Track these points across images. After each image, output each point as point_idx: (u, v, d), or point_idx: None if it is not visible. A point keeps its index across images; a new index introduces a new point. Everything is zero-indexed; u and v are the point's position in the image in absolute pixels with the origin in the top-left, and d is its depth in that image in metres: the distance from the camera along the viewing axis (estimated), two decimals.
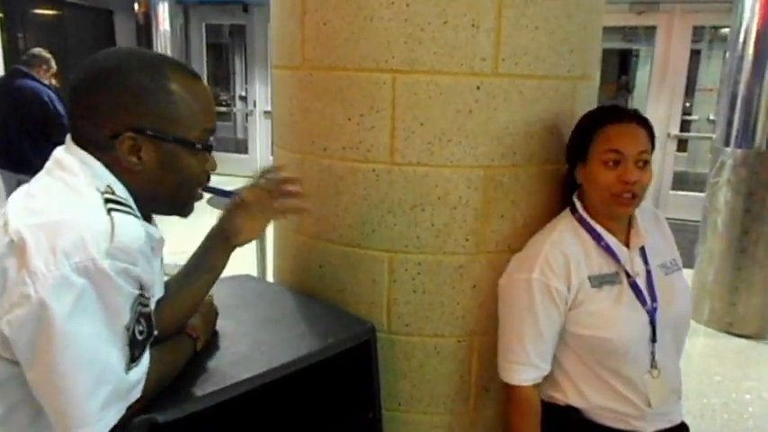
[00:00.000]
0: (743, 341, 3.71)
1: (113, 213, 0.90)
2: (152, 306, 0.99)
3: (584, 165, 1.43)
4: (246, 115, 9.31)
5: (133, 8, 7.89)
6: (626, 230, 1.46)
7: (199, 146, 1.03)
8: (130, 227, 0.91)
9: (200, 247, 1.25)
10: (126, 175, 0.99)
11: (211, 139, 1.09)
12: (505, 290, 1.48)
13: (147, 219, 1.05)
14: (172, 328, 1.18)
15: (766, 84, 3.56)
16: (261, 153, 8.88)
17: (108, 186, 0.95)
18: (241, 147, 9.51)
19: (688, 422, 1.54)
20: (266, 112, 8.79)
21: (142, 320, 0.93)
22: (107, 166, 0.97)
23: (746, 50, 3.63)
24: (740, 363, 3.48)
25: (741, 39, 3.66)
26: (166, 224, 1.15)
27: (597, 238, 1.43)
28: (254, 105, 8.95)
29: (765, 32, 3.54)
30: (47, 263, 0.82)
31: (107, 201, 0.92)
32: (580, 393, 1.45)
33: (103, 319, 0.86)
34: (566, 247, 1.42)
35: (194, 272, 1.22)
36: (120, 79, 0.96)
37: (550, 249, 1.42)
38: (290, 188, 1.27)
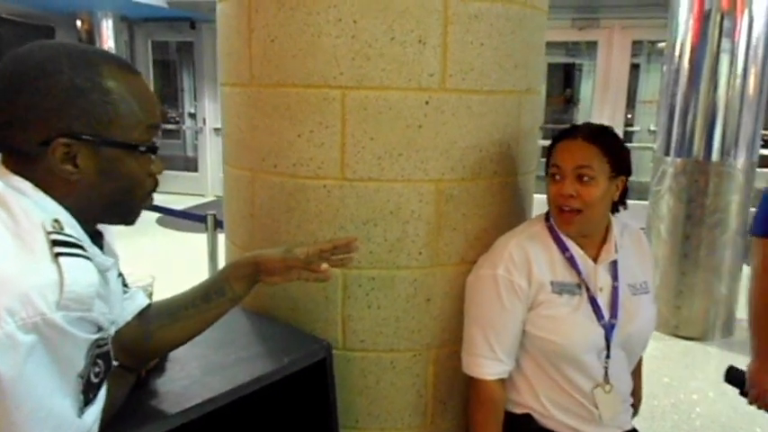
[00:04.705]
0: (689, 343, 3.84)
1: (61, 259, 0.81)
2: (110, 339, 0.94)
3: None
4: (196, 133, 9.18)
5: (75, 25, 7.70)
6: (598, 245, 1.49)
7: (142, 148, 0.94)
8: (81, 273, 0.83)
9: (223, 274, 1.21)
10: (62, 188, 0.90)
11: (157, 139, 0.99)
12: (472, 285, 1.50)
13: (95, 235, 0.97)
14: (173, 347, 1.22)
15: (702, 95, 3.72)
16: (211, 171, 8.76)
17: (55, 222, 0.86)
18: (191, 165, 9.36)
19: (638, 424, 1.59)
20: (216, 130, 8.68)
21: (99, 362, 0.88)
22: (41, 182, 0.89)
23: (682, 64, 3.79)
24: (687, 364, 3.59)
25: (677, 53, 3.82)
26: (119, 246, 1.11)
27: (563, 248, 1.46)
28: (204, 123, 8.83)
29: (699, 47, 3.71)
30: None
31: (54, 243, 0.83)
32: (534, 393, 1.48)
33: (56, 372, 0.80)
34: (530, 249, 1.45)
35: (216, 297, 1.18)
36: (47, 79, 0.86)
37: (515, 247, 1.45)
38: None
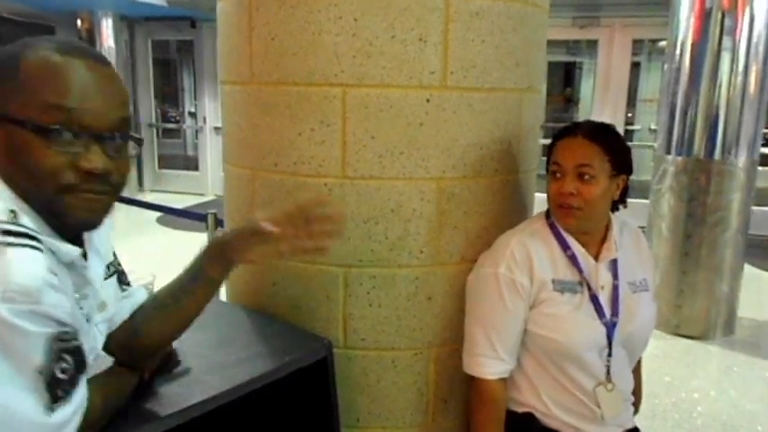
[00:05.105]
0: (690, 342, 3.83)
1: (8, 250, 0.79)
2: (97, 333, 0.92)
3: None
4: (196, 132, 9.17)
5: (75, 24, 7.69)
6: (599, 243, 1.49)
7: (30, 126, 0.85)
8: (26, 264, 0.80)
9: (196, 260, 1.13)
10: None
11: (122, 129, 0.92)
12: (473, 284, 1.50)
13: (72, 228, 0.93)
14: (162, 341, 1.18)
15: (703, 94, 3.71)
16: (212, 170, 8.75)
17: (11, 213, 0.84)
18: (191, 164, 9.36)
19: (640, 423, 1.58)
20: (216, 129, 8.66)
21: (66, 357, 0.84)
22: None
23: (683, 62, 3.78)
24: (688, 363, 3.59)
25: (678, 51, 3.81)
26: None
27: (564, 246, 1.46)
28: (204, 122, 8.81)
29: (700, 45, 3.70)
30: None
31: (3, 233, 0.80)
32: (536, 392, 1.48)
33: (8, 367, 0.78)
34: (532, 246, 1.45)
35: (191, 285, 1.11)
36: None
37: (516, 245, 1.45)
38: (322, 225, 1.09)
